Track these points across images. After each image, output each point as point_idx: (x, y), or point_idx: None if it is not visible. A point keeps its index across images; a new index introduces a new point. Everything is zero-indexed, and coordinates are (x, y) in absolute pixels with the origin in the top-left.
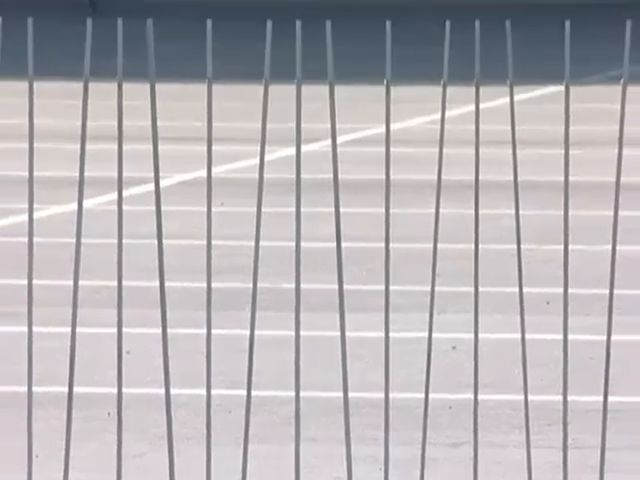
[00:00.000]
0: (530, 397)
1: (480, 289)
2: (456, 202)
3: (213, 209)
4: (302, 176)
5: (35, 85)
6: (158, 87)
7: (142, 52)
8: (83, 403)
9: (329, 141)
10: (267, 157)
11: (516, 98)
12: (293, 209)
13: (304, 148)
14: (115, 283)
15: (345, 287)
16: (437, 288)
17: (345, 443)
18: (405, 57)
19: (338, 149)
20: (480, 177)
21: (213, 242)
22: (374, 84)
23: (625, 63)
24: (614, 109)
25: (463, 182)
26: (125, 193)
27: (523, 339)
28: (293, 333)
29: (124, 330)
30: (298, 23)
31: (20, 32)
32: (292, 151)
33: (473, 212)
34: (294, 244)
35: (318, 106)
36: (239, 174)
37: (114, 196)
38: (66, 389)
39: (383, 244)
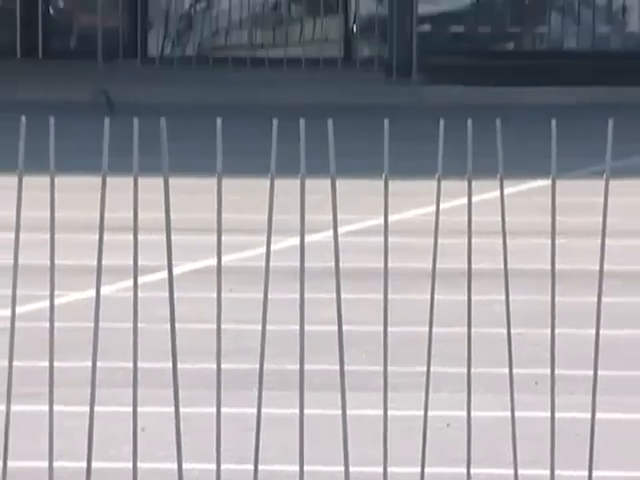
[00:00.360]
0: (520, 471)
1: (472, 370)
2: (450, 289)
3: (222, 295)
4: (306, 264)
5: (56, 180)
6: (171, 181)
7: (156, 148)
8: (100, 477)
9: (331, 232)
10: (273, 247)
11: (506, 191)
12: (297, 295)
13: (308, 238)
14: (130, 365)
15: (346, 368)
16: (432, 369)
17: None
18: (402, 153)
19: (339, 239)
20: (472, 265)
21: (222, 326)
22: (373, 178)
23: (607, 159)
24: (597, 202)
25: (456, 270)
26: (140, 280)
27: (513, 417)
28: (297, 411)
29: (139, 409)
30: (302, 121)
31: (42, 130)
32: (296, 241)
33: (466, 298)
34: (298, 328)
35: (320, 199)
36: (247, 262)
37: (129, 283)
38: (84, 464)
39: (382, 328)
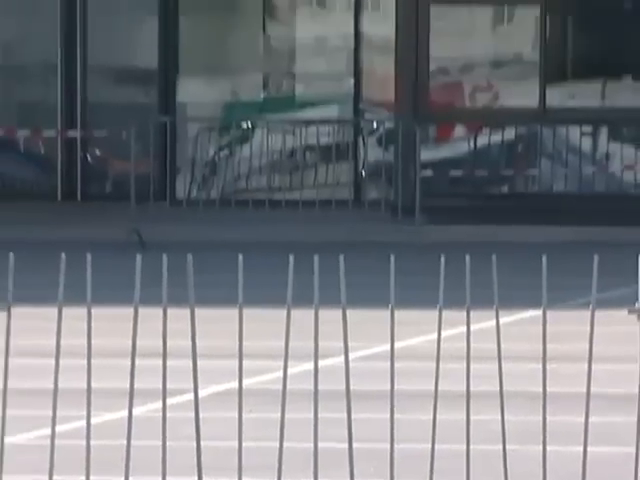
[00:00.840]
0: None
1: None
2: (451, 409)
3: (243, 415)
4: (319, 387)
5: (92, 310)
6: (196, 312)
7: (183, 282)
8: None
9: (342, 357)
10: (289, 371)
11: (501, 320)
12: (311, 415)
13: (321, 363)
14: (160, 479)
15: None
16: None
17: None
18: (407, 285)
19: (350, 364)
20: (471, 388)
21: (244, 443)
22: (380, 309)
23: (593, 292)
24: (584, 330)
25: (457, 392)
26: (168, 402)
27: None
28: None
29: None
30: (316, 257)
31: (80, 266)
32: (310, 366)
33: (465, 418)
34: (312, 445)
35: (332, 327)
36: (265, 385)
37: (159, 405)
38: None
39: (388, 444)
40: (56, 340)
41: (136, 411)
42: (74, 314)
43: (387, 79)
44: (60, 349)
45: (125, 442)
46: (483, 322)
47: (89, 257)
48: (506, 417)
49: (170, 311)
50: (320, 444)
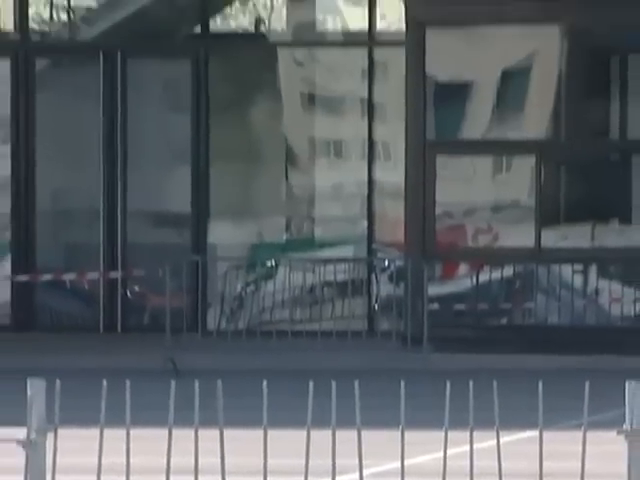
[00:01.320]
0: None
1: None
2: None
3: None
4: None
5: (131, 431)
6: (225, 432)
7: (213, 405)
8: None
9: (357, 474)
10: None
11: (501, 440)
12: None
13: (338, 478)
14: None
15: None
16: None
17: None
18: (416, 407)
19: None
20: None
21: None
22: (391, 429)
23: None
24: (577, 450)
25: None
26: None
27: None
28: None
29: None
30: (333, 384)
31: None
32: None
33: None
34: None
35: (348, 446)
36: None
37: None
38: None
39: None
40: (98, 459)
41: None
42: (114, 435)
43: (397, 222)
44: (101, 467)
45: None
46: (485, 442)
47: (128, 383)
48: None
49: (201, 432)
50: None
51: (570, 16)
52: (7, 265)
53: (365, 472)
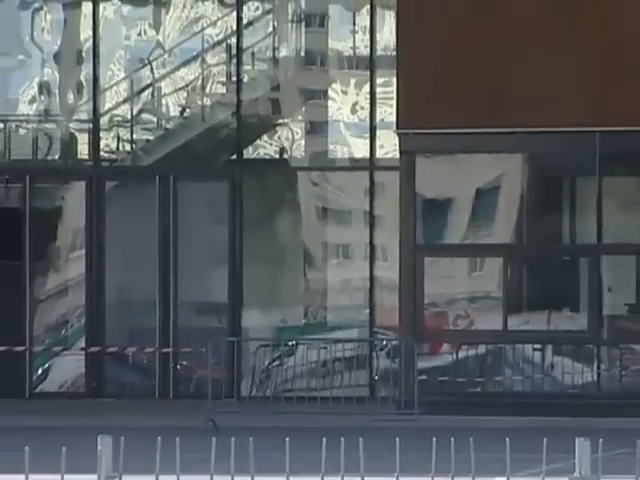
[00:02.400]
0: None
1: None
2: None
3: None
4: None
5: (180, 477)
6: (256, 478)
7: (246, 457)
8: None
9: None
10: None
11: None
12: None
13: None
14: None
15: None
16: None
17: None
18: (408, 459)
19: None
20: None
21: None
22: (388, 476)
23: (543, 464)
24: None
25: None
26: None
27: None
28: None
29: None
30: (342, 439)
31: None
32: None
33: None
34: None
35: None
36: None
37: None
38: None
39: None
40: None
41: None
42: None
43: (393, 310)
44: None
45: None
46: None
47: (177, 440)
48: None
49: (236, 478)
50: None
51: (530, 147)
52: (82, 344)
53: None
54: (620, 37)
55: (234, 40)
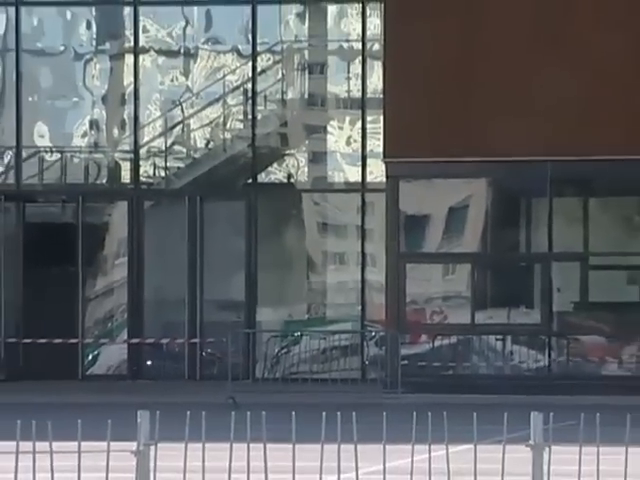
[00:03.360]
0: None
1: None
2: None
3: None
4: None
5: (206, 444)
6: (268, 445)
7: (260, 428)
8: None
9: (354, 473)
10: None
11: (450, 450)
12: None
13: (342, 475)
14: None
15: None
16: None
17: None
18: (392, 428)
19: (360, 477)
20: None
21: None
22: (376, 443)
23: (504, 433)
24: (498, 456)
25: None
26: None
27: None
28: None
29: None
30: (338, 414)
31: (197, 420)
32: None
33: None
34: None
35: (349, 453)
36: None
37: None
38: None
39: None
40: (183, 463)
41: None
42: (195, 447)
43: (380, 307)
44: (186, 468)
45: None
46: (438, 451)
47: (203, 414)
48: None
49: (252, 444)
50: None
51: (493, 174)
52: (124, 336)
53: (360, 472)
54: (572, 86)
55: (250, 85)
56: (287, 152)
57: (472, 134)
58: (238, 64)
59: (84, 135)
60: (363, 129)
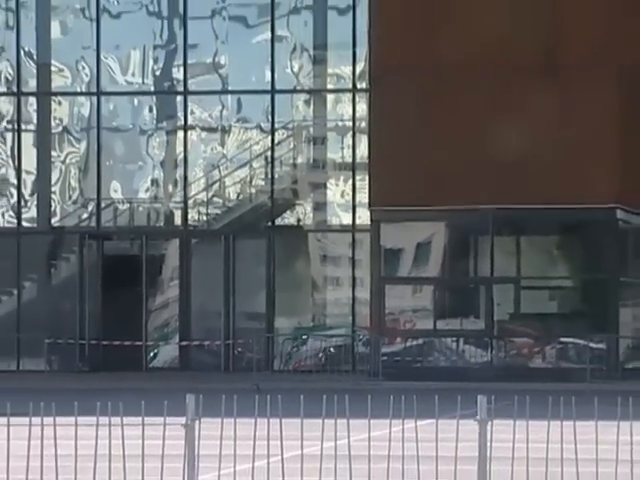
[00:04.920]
0: None
1: None
2: None
3: None
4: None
5: (237, 419)
6: (284, 419)
7: (276, 406)
8: None
9: (346, 439)
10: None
11: (418, 424)
12: None
13: (339, 442)
14: None
15: None
16: None
17: None
18: (375, 407)
19: (351, 443)
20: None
21: None
22: (361, 418)
23: (458, 411)
24: (454, 428)
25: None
26: None
27: None
28: None
29: None
30: (335, 397)
31: (230, 403)
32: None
33: None
34: None
35: (342, 426)
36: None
37: None
38: None
39: None
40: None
41: None
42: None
43: (367, 316)
44: (223, 437)
45: None
46: (411, 424)
47: (235, 397)
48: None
49: (271, 420)
50: None
51: (450, 218)
52: (176, 339)
53: (352, 439)
54: (510, 150)
55: (269, 153)
56: (297, 202)
57: (434, 189)
58: (261, 137)
59: (147, 190)
60: (353, 185)
